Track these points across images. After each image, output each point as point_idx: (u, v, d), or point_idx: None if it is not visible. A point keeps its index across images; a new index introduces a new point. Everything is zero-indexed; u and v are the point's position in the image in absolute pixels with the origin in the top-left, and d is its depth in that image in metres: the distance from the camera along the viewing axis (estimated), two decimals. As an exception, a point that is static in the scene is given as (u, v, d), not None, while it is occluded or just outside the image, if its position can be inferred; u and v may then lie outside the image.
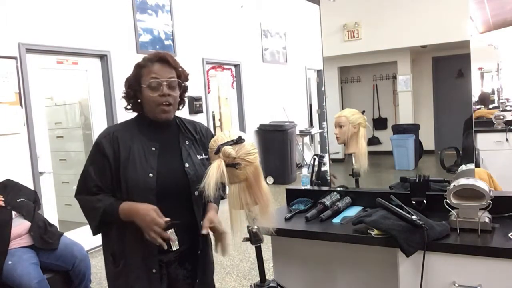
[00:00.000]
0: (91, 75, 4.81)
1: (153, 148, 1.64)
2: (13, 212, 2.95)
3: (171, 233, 1.58)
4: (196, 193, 1.65)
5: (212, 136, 1.78)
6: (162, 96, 1.61)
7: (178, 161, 1.67)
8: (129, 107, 1.71)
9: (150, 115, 1.67)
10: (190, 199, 1.67)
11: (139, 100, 1.67)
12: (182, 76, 1.70)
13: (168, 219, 1.54)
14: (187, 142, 1.73)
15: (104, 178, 1.62)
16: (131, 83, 1.67)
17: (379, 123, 2.52)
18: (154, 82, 1.60)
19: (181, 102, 1.76)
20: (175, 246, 1.63)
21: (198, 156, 1.73)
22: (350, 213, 2.06)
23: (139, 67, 1.66)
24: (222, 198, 1.79)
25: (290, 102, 8.70)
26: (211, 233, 1.71)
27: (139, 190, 1.58)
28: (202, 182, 1.34)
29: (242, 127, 7.32)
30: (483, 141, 4.55)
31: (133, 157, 1.60)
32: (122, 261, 1.64)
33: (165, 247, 1.57)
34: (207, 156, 1.69)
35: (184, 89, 1.74)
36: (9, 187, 3.23)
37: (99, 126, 4.73)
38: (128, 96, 1.69)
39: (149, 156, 1.62)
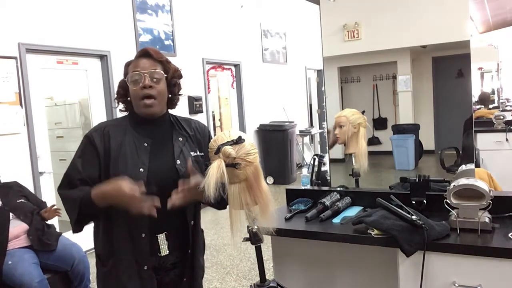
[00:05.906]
0: (91, 75, 4.81)
1: (145, 144, 1.61)
2: (11, 214, 2.94)
3: (161, 239, 1.54)
4: None
5: (210, 134, 1.78)
6: (143, 89, 1.57)
7: (170, 158, 1.63)
8: (122, 107, 1.70)
9: (138, 112, 1.63)
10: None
11: (128, 98, 1.65)
12: (170, 70, 1.66)
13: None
14: (180, 139, 1.68)
15: (91, 171, 1.58)
16: (121, 82, 1.67)
17: (379, 123, 2.52)
18: (135, 74, 1.58)
19: (174, 98, 1.71)
20: (164, 252, 1.60)
21: (192, 153, 1.67)
22: (350, 213, 2.06)
23: (126, 66, 1.66)
24: (223, 201, 1.65)
25: (290, 102, 8.70)
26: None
27: None
28: (201, 182, 1.33)
29: (242, 127, 7.31)
30: (483, 141, 4.55)
31: (124, 152, 1.57)
32: (110, 261, 1.61)
33: (155, 214, 1.48)
34: (202, 154, 1.67)
35: (175, 84, 1.68)
36: (13, 189, 3.18)
37: (99, 126, 4.73)
38: (119, 95, 1.68)
39: (141, 151, 1.59)
